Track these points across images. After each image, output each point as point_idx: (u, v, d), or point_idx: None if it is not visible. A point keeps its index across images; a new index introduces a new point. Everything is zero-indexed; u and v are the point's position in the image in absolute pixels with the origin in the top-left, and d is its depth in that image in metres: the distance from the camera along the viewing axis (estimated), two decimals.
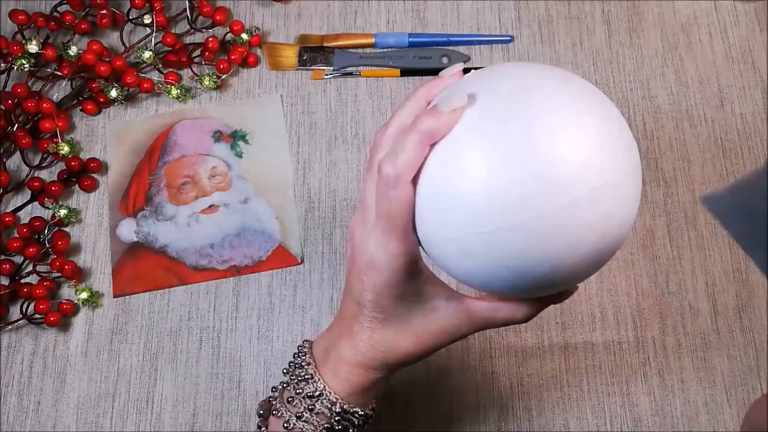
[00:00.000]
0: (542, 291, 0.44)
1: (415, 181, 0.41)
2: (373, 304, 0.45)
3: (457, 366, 0.64)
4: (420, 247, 0.44)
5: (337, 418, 0.47)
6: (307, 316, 0.66)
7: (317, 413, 0.47)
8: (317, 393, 0.47)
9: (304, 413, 0.47)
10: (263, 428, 0.49)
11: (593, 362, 0.64)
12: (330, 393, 0.47)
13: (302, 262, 0.68)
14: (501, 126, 0.39)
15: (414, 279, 0.45)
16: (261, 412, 0.50)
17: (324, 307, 0.67)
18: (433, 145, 0.41)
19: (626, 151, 0.41)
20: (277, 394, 0.49)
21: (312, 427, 0.47)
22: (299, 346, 0.50)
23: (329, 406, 0.47)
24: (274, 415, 0.48)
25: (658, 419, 0.63)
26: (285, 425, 0.47)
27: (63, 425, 0.64)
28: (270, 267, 0.68)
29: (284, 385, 0.49)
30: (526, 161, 0.38)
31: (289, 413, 0.47)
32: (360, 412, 0.48)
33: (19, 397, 0.65)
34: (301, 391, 0.47)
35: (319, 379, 0.47)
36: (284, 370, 0.50)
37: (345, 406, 0.47)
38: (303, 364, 0.48)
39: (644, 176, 0.69)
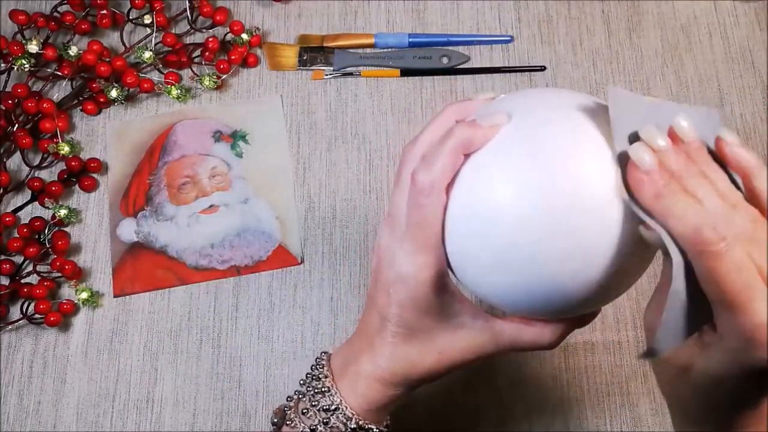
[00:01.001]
0: (569, 310, 0.43)
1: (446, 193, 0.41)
2: (397, 318, 0.44)
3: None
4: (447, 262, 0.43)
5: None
6: (307, 316, 0.66)
7: (332, 427, 0.46)
8: (333, 407, 0.46)
9: (319, 426, 0.46)
10: None
11: (593, 362, 0.64)
12: (346, 408, 0.46)
13: (302, 262, 0.68)
14: (534, 150, 0.39)
15: (441, 294, 0.43)
16: (275, 420, 0.48)
17: (324, 307, 0.67)
18: (466, 158, 0.40)
19: None
20: (292, 403, 0.48)
21: None
22: (317, 357, 0.49)
23: (344, 421, 0.46)
24: (287, 425, 0.47)
25: (658, 419, 0.63)
26: None
27: (63, 425, 0.64)
28: (270, 267, 0.68)
29: (300, 395, 0.48)
30: (557, 185, 0.38)
31: (303, 425, 0.46)
32: (375, 429, 0.47)
33: (19, 397, 0.65)
34: (317, 403, 0.46)
35: (336, 393, 0.46)
36: (301, 381, 0.49)
37: (360, 422, 0.46)
38: (320, 376, 0.47)
39: None
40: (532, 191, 0.38)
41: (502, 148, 0.40)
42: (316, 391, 0.47)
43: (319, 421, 0.46)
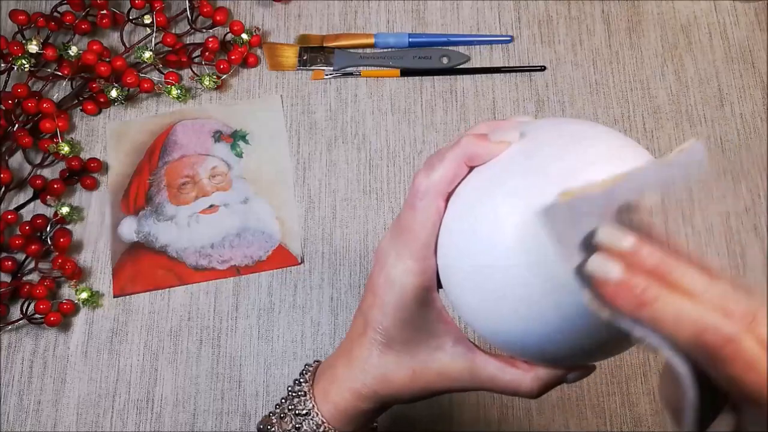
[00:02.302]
0: (549, 358, 0.40)
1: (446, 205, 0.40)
2: (378, 323, 0.42)
3: None
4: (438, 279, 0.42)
5: None
6: (307, 316, 0.66)
7: None
8: (305, 411, 0.45)
9: (291, 431, 0.45)
10: None
11: None
12: (317, 414, 0.45)
13: (302, 261, 0.68)
14: (538, 180, 0.36)
15: (425, 307, 0.41)
16: (260, 427, 0.47)
17: (324, 307, 0.67)
18: (470, 171, 0.39)
19: None
20: (277, 409, 0.47)
21: None
22: (306, 364, 0.49)
23: (314, 427, 0.44)
24: (269, 429, 0.46)
25: (658, 419, 0.62)
26: None
27: (63, 425, 0.64)
28: (270, 267, 0.68)
29: (283, 400, 0.47)
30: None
31: (280, 429, 0.45)
32: None
33: (19, 396, 0.65)
34: (293, 407, 0.45)
35: (310, 398, 0.45)
36: (288, 387, 0.48)
37: (329, 430, 0.44)
38: (302, 381, 0.47)
39: None
40: (519, 219, 0.36)
41: (504, 168, 0.38)
42: (293, 394, 0.46)
43: (293, 426, 0.45)
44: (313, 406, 0.45)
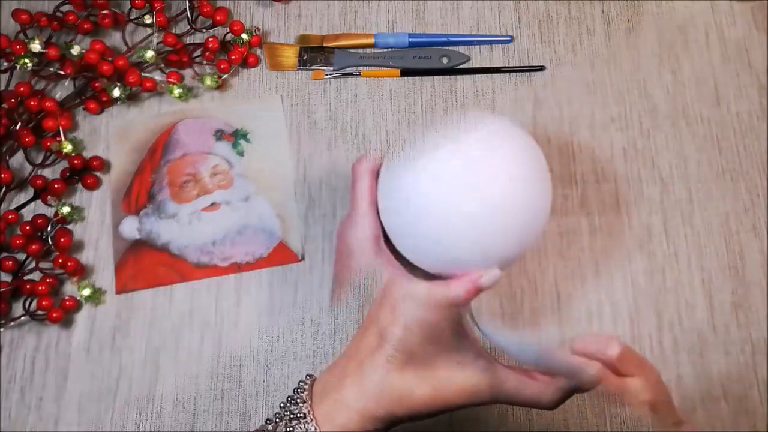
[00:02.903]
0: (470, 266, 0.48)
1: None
2: (398, 341, 0.42)
3: None
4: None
5: None
6: (307, 314, 0.67)
7: None
8: None
9: None
10: None
11: None
12: None
13: (303, 259, 0.68)
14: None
15: (451, 323, 0.42)
16: None
17: (324, 305, 0.67)
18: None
19: (529, 168, 0.50)
20: (270, 427, 0.45)
21: None
22: (300, 381, 0.47)
23: None
24: None
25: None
26: None
27: (65, 422, 0.64)
28: (271, 264, 0.68)
29: (278, 418, 0.45)
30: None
31: None
32: None
33: (21, 393, 0.65)
34: (291, 429, 0.43)
35: (311, 421, 0.43)
36: (281, 404, 0.46)
37: None
38: (299, 401, 0.45)
39: (641, 174, 0.70)
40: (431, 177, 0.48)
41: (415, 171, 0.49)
42: (292, 416, 0.44)
43: None
44: (316, 429, 0.43)
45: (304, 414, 0.43)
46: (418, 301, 0.42)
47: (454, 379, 0.43)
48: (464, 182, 0.47)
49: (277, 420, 0.45)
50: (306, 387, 0.46)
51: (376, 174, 0.51)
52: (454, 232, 0.46)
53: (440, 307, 0.43)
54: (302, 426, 0.43)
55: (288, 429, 0.43)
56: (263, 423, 0.47)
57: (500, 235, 0.47)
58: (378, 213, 0.51)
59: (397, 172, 0.50)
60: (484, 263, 0.47)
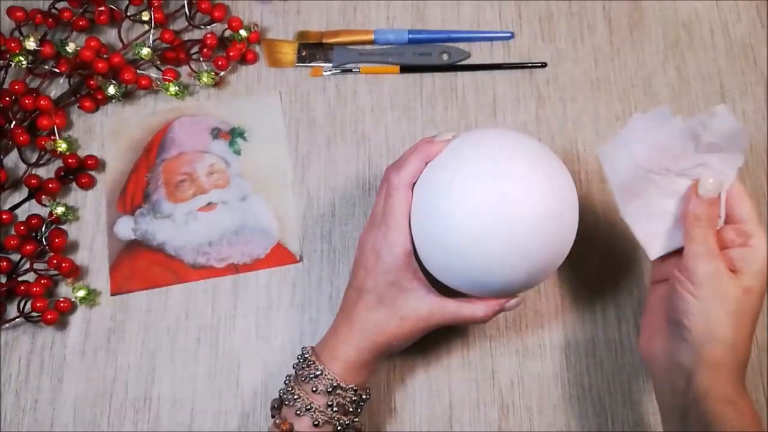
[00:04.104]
0: (497, 292, 0.56)
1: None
2: (371, 288, 0.55)
3: (457, 364, 0.64)
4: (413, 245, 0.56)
5: (338, 393, 0.54)
6: (305, 315, 0.66)
7: (318, 393, 0.54)
8: (318, 373, 0.54)
9: (309, 396, 0.54)
10: (277, 418, 0.55)
11: (594, 360, 0.64)
12: (328, 372, 0.54)
13: (301, 260, 0.68)
14: (471, 171, 0.53)
15: (407, 269, 0.55)
16: (275, 405, 0.56)
17: (323, 305, 0.66)
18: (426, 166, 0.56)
19: (561, 197, 0.53)
20: (287, 388, 0.56)
21: (321, 413, 0.54)
22: (303, 347, 0.58)
23: (327, 384, 0.54)
24: (286, 405, 0.55)
25: (659, 418, 0.62)
26: (297, 413, 0.54)
27: (60, 424, 0.64)
28: (268, 265, 0.67)
29: (290, 378, 0.57)
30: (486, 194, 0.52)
31: (300, 391, 0.55)
32: (354, 388, 0.55)
33: (16, 395, 0.65)
34: (305, 378, 0.55)
35: (319, 364, 0.55)
36: (289, 376, 0.57)
37: (341, 384, 0.54)
38: (306, 355, 0.56)
39: None
40: (463, 198, 0.52)
41: (446, 170, 0.54)
42: (302, 366, 0.56)
43: (309, 391, 0.54)
44: (324, 367, 0.55)
45: (312, 361, 0.55)
46: (382, 256, 0.55)
47: (412, 312, 0.56)
48: (499, 206, 0.51)
49: (290, 378, 0.56)
50: (309, 349, 0.57)
51: (412, 187, 0.55)
52: (487, 254, 0.51)
53: (457, 319, 0.56)
54: (312, 369, 0.55)
55: (302, 378, 0.55)
56: (278, 395, 0.57)
57: (529, 258, 0.52)
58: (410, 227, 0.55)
59: (434, 189, 0.54)
60: (510, 286, 0.54)
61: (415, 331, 0.56)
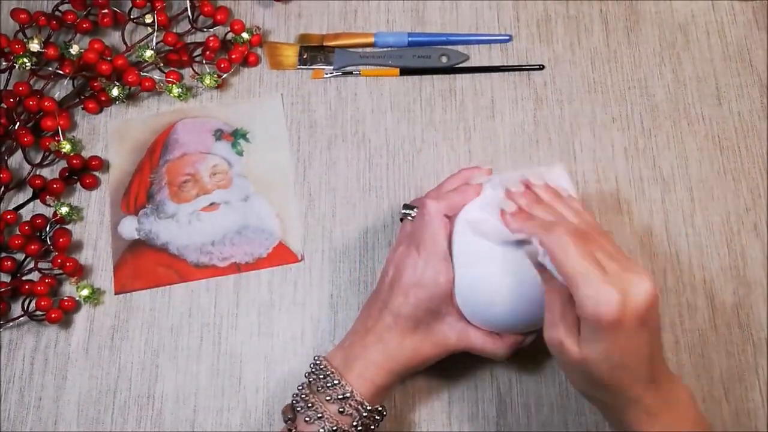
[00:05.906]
0: (520, 330, 0.58)
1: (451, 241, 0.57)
2: (409, 315, 0.55)
3: (456, 363, 0.65)
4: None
5: (365, 415, 0.54)
6: (306, 313, 0.67)
7: (346, 414, 0.53)
8: (346, 395, 0.54)
9: (333, 416, 0.53)
10: (293, 430, 0.54)
11: None
12: (357, 394, 0.54)
13: (302, 259, 0.68)
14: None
15: (448, 298, 0.56)
16: (289, 416, 0.55)
17: (324, 304, 0.67)
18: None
19: None
20: (301, 401, 0.55)
21: (340, 428, 0.53)
22: (316, 359, 0.57)
23: (356, 406, 0.54)
24: (306, 422, 0.54)
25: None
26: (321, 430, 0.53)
27: (64, 422, 0.64)
28: (270, 264, 0.68)
29: (306, 393, 0.55)
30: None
31: (318, 417, 0.53)
32: (379, 409, 0.55)
33: (20, 393, 0.65)
34: (330, 397, 0.54)
35: (346, 384, 0.54)
36: (306, 378, 0.56)
37: (369, 407, 0.54)
38: (328, 373, 0.55)
39: (642, 174, 0.69)
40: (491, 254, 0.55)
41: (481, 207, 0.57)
42: (326, 386, 0.54)
43: (334, 412, 0.53)
44: (352, 389, 0.54)
45: (338, 380, 0.54)
46: (426, 286, 0.55)
47: (444, 337, 0.57)
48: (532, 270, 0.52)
49: (307, 394, 0.54)
50: (325, 363, 0.56)
51: (448, 217, 0.57)
52: (517, 300, 0.54)
53: (476, 352, 0.58)
54: (338, 390, 0.54)
55: (326, 397, 0.54)
56: (290, 399, 0.56)
57: None
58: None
59: (473, 228, 0.56)
60: (536, 326, 0.56)
61: (442, 354, 0.58)
